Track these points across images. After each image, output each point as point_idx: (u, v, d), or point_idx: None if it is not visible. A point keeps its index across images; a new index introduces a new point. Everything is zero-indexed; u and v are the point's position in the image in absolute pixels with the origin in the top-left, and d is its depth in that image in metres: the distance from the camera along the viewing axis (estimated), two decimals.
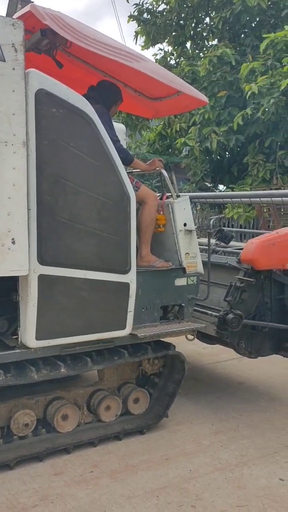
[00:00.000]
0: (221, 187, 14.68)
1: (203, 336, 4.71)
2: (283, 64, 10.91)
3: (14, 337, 3.75)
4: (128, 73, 4.08)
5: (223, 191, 13.49)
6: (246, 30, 14.13)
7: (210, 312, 4.43)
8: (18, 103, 3.28)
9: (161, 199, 4.29)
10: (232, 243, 4.84)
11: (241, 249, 4.60)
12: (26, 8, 3.59)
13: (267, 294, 4.54)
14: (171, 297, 4.18)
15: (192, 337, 4.35)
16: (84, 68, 4.33)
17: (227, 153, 13.57)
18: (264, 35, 11.57)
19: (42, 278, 3.43)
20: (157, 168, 4.27)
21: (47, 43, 3.88)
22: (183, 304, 4.22)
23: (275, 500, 3.30)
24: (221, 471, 3.66)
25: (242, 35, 14.22)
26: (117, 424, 4.13)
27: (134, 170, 4.51)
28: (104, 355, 3.91)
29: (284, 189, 10.85)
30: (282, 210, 8.21)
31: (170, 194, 4.22)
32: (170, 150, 16.21)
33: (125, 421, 4.19)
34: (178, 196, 4.23)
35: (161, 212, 4.22)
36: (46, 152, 3.39)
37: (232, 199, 6.37)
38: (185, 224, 4.19)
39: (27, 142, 3.32)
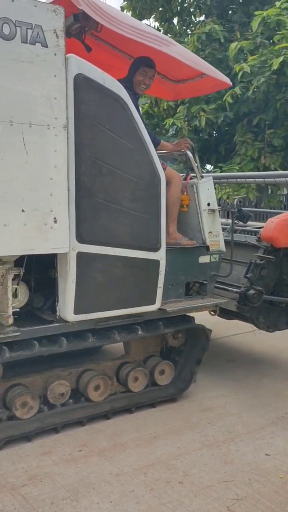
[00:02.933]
0: (208, 166, 14.82)
1: (221, 312, 4.90)
2: (273, 42, 10.92)
3: (49, 312, 3.92)
4: (155, 57, 4.19)
5: (211, 171, 13.62)
6: (234, 6, 14.14)
7: (230, 288, 4.63)
8: (59, 88, 3.40)
9: (185, 179, 4.45)
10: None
11: (260, 228, 4.80)
12: None
13: (285, 271, 4.75)
14: (195, 273, 4.39)
15: (215, 312, 4.54)
16: (110, 52, 4.44)
17: (214, 132, 13.69)
18: (256, 13, 11.55)
19: (80, 255, 3.60)
20: (183, 150, 4.43)
21: (78, 27, 3.98)
22: (205, 281, 4.42)
23: (260, 475, 3.37)
24: (208, 447, 3.72)
25: (230, 11, 14.23)
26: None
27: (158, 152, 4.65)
28: (149, 325, 4.16)
29: (272, 168, 11.05)
30: None
31: (194, 174, 4.39)
32: (157, 129, 16.24)
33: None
34: (202, 177, 4.40)
35: (185, 193, 4.39)
36: (84, 135, 3.53)
37: (246, 180, 6.54)
38: (208, 204, 4.37)
39: (67, 125, 3.45)
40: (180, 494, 3.16)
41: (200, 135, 13.58)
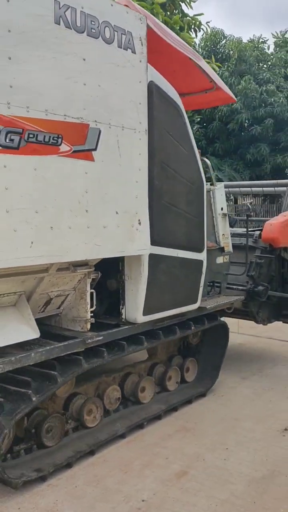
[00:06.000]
0: None
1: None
2: None
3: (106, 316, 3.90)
4: (181, 69, 4.41)
5: None
6: None
7: (235, 287, 5.00)
8: (143, 93, 3.51)
9: None
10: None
11: (253, 230, 5.27)
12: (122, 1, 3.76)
13: (275, 269, 5.28)
14: (214, 274, 4.70)
15: (230, 309, 4.85)
16: None
17: None
18: None
19: (151, 257, 3.70)
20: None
21: None
22: (219, 281, 4.75)
23: None
24: None
25: None
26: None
27: None
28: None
29: None
30: None
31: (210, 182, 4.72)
32: None
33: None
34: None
35: None
36: (155, 140, 3.66)
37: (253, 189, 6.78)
38: (222, 208, 4.73)
39: (147, 130, 3.56)
40: None
41: None
